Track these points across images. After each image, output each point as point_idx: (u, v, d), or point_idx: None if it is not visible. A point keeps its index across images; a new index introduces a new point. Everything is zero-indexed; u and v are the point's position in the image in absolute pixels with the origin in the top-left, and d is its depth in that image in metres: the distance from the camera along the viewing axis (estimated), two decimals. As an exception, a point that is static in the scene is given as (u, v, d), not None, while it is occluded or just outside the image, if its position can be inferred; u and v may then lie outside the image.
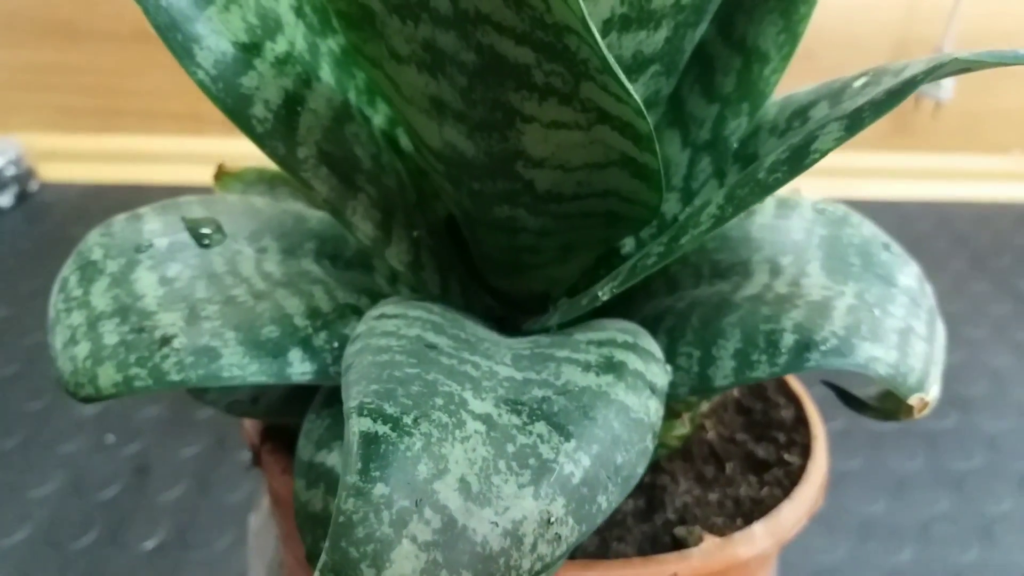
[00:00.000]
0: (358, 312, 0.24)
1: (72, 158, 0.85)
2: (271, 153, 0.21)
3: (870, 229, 0.27)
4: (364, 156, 0.23)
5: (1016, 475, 0.59)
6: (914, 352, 0.23)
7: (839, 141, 0.17)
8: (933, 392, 0.23)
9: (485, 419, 0.17)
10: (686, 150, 0.25)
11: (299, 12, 0.23)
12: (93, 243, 0.24)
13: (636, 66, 0.21)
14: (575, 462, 0.17)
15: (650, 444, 0.20)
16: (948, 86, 0.86)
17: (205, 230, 0.24)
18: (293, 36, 0.22)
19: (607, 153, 0.20)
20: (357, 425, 0.15)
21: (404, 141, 0.26)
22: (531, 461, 0.17)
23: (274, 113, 0.21)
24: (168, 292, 0.23)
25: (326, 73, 0.23)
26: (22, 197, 0.80)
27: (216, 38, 0.20)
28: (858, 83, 0.21)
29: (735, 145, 0.24)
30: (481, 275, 0.27)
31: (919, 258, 0.29)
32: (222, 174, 0.31)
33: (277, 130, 0.21)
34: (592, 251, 0.26)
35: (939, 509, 0.56)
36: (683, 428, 0.27)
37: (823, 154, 0.17)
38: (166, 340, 0.21)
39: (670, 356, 0.25)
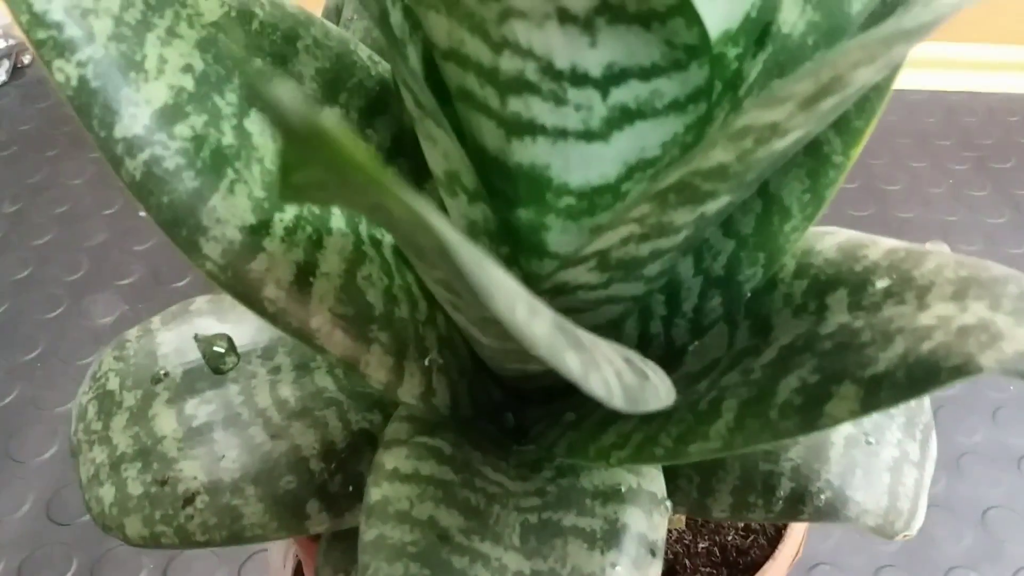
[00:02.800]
0: (371, 440, 0.24)
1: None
2: (284, 329, 0.21)
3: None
4: (377, 299, 0.23)
5: (991, 406, 0.61)
6: (904, 489, 0.24)
7: (853, 415, 0.17)
8: (917, 525, 0.25)
9: (494, 651, 0.19)
10: (698, 277, 0.25)
11: (306, 160, 0.22)
12: (107, 368, 0.24)
13: (651, 258, 0.20)
14: None
15: (647, 619, 0.21)
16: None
17: (218, 349, 0.25)
18: (301, 191, 0.22)
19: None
20: None
21: (415, 247, 0.26)
22: None
23: (286, 291, 0.21)
24: (187, 433, 0.23)
25: (337, 215, 0.23)
26: (15, 71, 0.78)
27: (222, 227, 0.20)
28: (880, 284, 0.20)
29: (748, 294, 0.23)
30: (489, 371, 0.27)
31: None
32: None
33: (289, 308, 0.21)
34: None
35: (916, 441, 0.59)
36: (680, 523, 0.29)
37: (836, 422, 0.18)
38: (189, 499, 0.22)
39: (670, 473, 0.26)
